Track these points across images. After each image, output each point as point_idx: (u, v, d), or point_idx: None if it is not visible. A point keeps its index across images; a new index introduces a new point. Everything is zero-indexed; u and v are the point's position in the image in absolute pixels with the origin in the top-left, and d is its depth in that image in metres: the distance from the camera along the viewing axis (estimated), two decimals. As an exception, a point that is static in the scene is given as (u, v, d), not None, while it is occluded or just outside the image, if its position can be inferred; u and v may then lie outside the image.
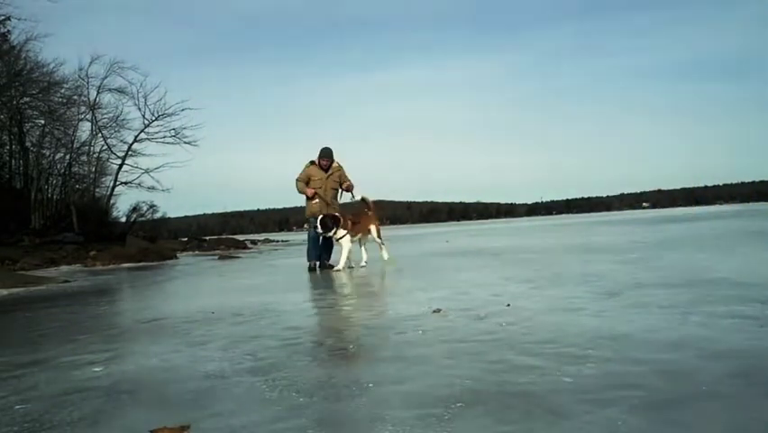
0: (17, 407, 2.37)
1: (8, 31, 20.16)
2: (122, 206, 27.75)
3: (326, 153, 9.04)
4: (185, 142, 24.26)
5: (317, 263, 8.91)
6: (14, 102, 20.11)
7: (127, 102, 24.92)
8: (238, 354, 3.10)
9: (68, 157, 24.31)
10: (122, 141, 24.85)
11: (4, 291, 8.51)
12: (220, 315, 4.62)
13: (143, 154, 24.70)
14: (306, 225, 9.34)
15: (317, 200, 8.94)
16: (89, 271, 13.04)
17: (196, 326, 4.19)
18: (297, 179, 9.05)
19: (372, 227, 9.25)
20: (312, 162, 9.07)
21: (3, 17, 19.27)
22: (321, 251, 9.00)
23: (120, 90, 24.22)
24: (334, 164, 9.06)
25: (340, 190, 9.22)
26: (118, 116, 24.60)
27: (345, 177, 9.14)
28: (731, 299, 3.78)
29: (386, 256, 9.21)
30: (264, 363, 2.87)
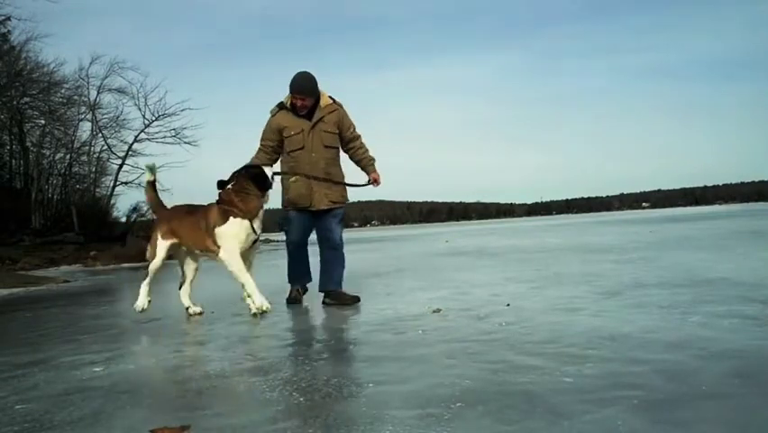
0: (17, 407, 2.37)
1: (8, 31, 20.19)
2: (122, 206, 27.81)
3: (304, 86, 4.73)
4: (185, 143, 24.30)
5: (300, 290, 5.05)
6: (15, 102, 20.11)
7: (127, 102, 24.96)
8: (238, 354, 3.10)
9: (68, 157, 24.35)
10: (122, 141, 24.91)
11: (5, 291, 8.51)
12: (220, 315, 4.62)
13: (143, 154, 24.72)
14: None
15: (297, 176, 4.73)
16: (89, 272, 13.04)
17: (197, 326, 4.19)
18: (260, 145, 4.92)
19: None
20: (281, 107, 4.85)
21: (3, 17, 19.28)
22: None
23: (120, 90, 24.27)
24: (324, 102, 4.81)
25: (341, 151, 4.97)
26: (118, 116, 24.65)
27: (349, 123, 4.92)
28: (731, 299, 3.78)
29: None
30: (264, 363, 2.88)
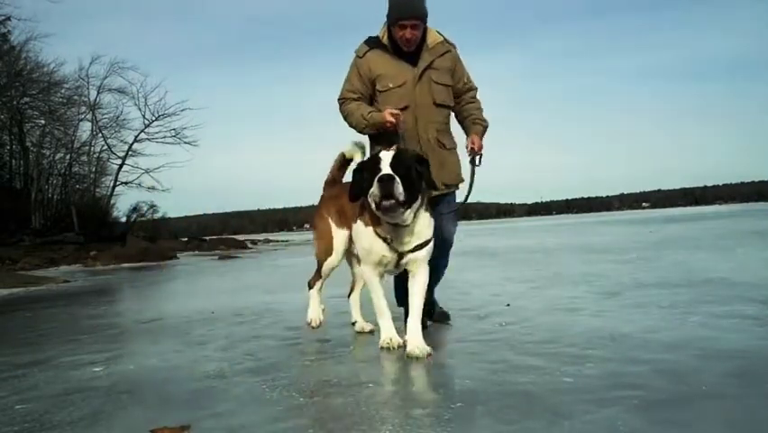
0: (17, 407, 2.37)
1: (9, 31, 20.20)
2: (122, 206, 27.76)
3: (413, 4, 3.28)
4: (185, 142, 24.32)
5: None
6: (15, 102, 20.12)
7: (127, 102, 24.95)
8: (238, 354, 3.10)
9: (68, 157, 24.37)
10: (122, 141, 24.93)
11: (5, 291, 8.51)
12: (220, 315, 4.62)
13: (143, 154, 24.76)
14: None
15: (395, 146, 3.02)
16: (89, 272, 13.04)
17: (196, 326, 4.19)
18: (342, 98, 3.44)
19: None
20: (372, 44, 3.42)
21: (3, 17, 19.29)
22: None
23: (120, 90, 24.29)
24: (432, 38, 3.40)
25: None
26: (118, 116, 24.68)
27: (463, 71, 3.55)
28: (731, 299, 3.79)
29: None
30: (264, 363, 2.88)
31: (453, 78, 3.45)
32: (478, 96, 3.60)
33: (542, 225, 31.62)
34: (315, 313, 3.42)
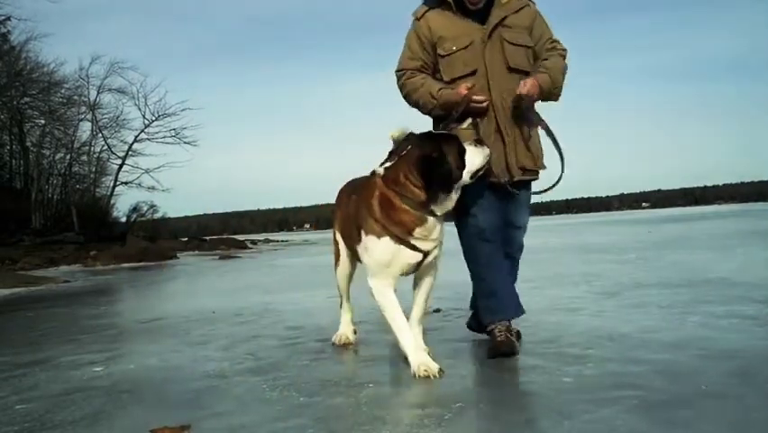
0: (18, 406, 2.38)
1: (8, 31, 20.18)
2: (122, 206, 27.74)
3: None
4: (185, 142, 24.31)
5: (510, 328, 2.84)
6: (15, 102, 20.11)
7: (127, 102, 24.92)
8: (238, 354, 3.10)
9: (68, 157, 24.34)
10: (122, 141, 24.91)
11: (5, 291, 8.51)
12: (220, 315, 4.62)
13: (143, 154, 24.74)
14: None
15: (469, 119, 2.74)
16: (89, 271, 13.04)
17: (196, 326, 4.19)
18: (402, 68, 2.88)
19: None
20: (432, 2, 2.84)
21: (3, 17, 19.28)
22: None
23: (120, 90, 24.26)
24: None
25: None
26: (118, 116, 24.64)
27: (543, 29, 2.89)
28: (731, 299, 3.79)
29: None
30: (264, 362, 2.88)
31: (532, 36, 2.83)
32: (568, 58, 2.91)
33: (542, 225, 31.58)
34: (340, 330, 3.29)
